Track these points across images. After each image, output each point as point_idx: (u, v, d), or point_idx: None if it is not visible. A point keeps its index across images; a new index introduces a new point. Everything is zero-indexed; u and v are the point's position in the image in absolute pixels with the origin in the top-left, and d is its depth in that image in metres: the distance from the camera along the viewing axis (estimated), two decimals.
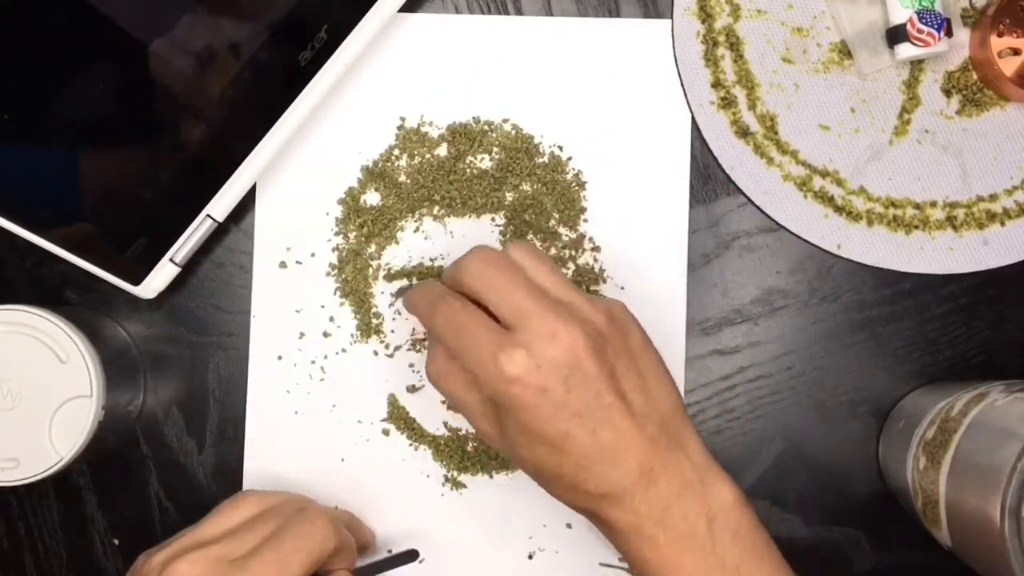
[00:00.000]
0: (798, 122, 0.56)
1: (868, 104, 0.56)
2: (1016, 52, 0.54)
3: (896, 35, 0.54)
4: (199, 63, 0.51)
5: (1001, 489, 0.42)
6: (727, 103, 0.56)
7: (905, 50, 0.54)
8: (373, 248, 0.57)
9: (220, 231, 0.55)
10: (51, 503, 0.56)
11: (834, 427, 0.57)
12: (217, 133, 0.52)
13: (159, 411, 0.57)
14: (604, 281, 0.56)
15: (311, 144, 0.57)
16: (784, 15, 0.56)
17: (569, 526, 0.56)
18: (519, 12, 0.57)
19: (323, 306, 0.57)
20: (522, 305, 0.43)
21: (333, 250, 0.57)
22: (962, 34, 0.56)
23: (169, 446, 0.57)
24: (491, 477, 0.56)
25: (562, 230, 0.56)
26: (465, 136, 0.56)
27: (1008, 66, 0.54)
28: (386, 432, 0.56)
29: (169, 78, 0.51)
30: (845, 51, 0.56)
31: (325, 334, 0.57)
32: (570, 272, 0.56)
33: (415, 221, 0.57)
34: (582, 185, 0.57)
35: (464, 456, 0.56)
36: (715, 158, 0.56)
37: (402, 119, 0.57)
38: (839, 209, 0.56)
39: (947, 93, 0.56)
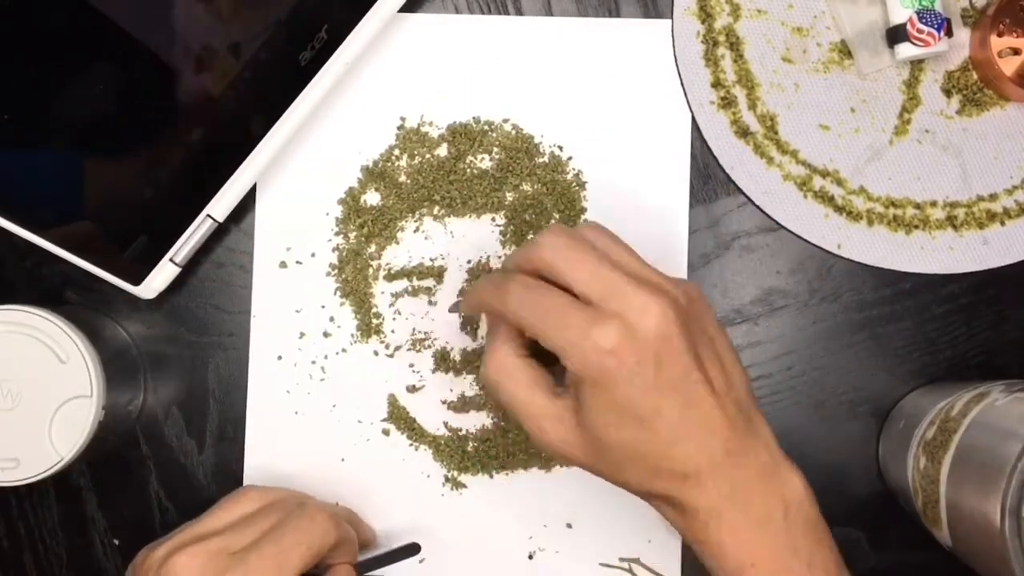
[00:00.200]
0: (798, 122, 0.56)
1: (868, 104, 0.56)
2: (1016, 52, 0.54)
3: (896, 35, 0.54)
4: (199, 63, 0.51)
5: (1001, 489, 0.42)
6: (727, 103, 0.56)
7: (905, 50, 0.54)
8: (373, 248, 0.57)
9: (220, 231, 0.55)
10: (51, 503, 0.56)
11: (834, 427, 0.57)
12: (217, 133, 0.52)
13: (159, 411, 0.57)
14: None
15: (311, 144, 0.57)
16: (784, 15, 0.56)
17: (569, 526, 0.56)
18: (519, 12, 0.57)
19: (323, 306, 0.57)
20: (610, 278, 0.41)
21: (333, 250, 0.57)
22: (962, 34, 0.56)
23: (169, 446, 0.57)
24: (491, 477, 0.56)
25: None
26: (465, 136, 0.56)
27: (1008, 66, 0.54)
28: (386, 432, 0.56)
29: (169, 78, 0.51)
30: (845, 51, 0.56)
31: (325, 334, 0.56)
32: None
33: (415, 221, 0.57)
34: (582, 185, 0.57)
35: (464, 456, 0.56)
36: (715, 158, 0.56)
37: (402, 119, 0.57)
38: (839, 209, 0.56)
39: (947, 93, 0.56)
